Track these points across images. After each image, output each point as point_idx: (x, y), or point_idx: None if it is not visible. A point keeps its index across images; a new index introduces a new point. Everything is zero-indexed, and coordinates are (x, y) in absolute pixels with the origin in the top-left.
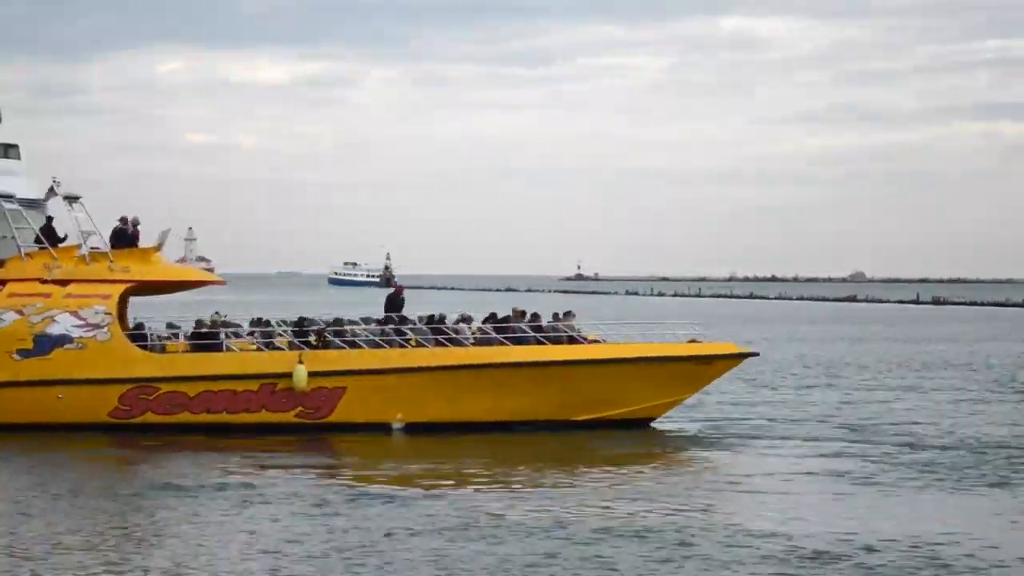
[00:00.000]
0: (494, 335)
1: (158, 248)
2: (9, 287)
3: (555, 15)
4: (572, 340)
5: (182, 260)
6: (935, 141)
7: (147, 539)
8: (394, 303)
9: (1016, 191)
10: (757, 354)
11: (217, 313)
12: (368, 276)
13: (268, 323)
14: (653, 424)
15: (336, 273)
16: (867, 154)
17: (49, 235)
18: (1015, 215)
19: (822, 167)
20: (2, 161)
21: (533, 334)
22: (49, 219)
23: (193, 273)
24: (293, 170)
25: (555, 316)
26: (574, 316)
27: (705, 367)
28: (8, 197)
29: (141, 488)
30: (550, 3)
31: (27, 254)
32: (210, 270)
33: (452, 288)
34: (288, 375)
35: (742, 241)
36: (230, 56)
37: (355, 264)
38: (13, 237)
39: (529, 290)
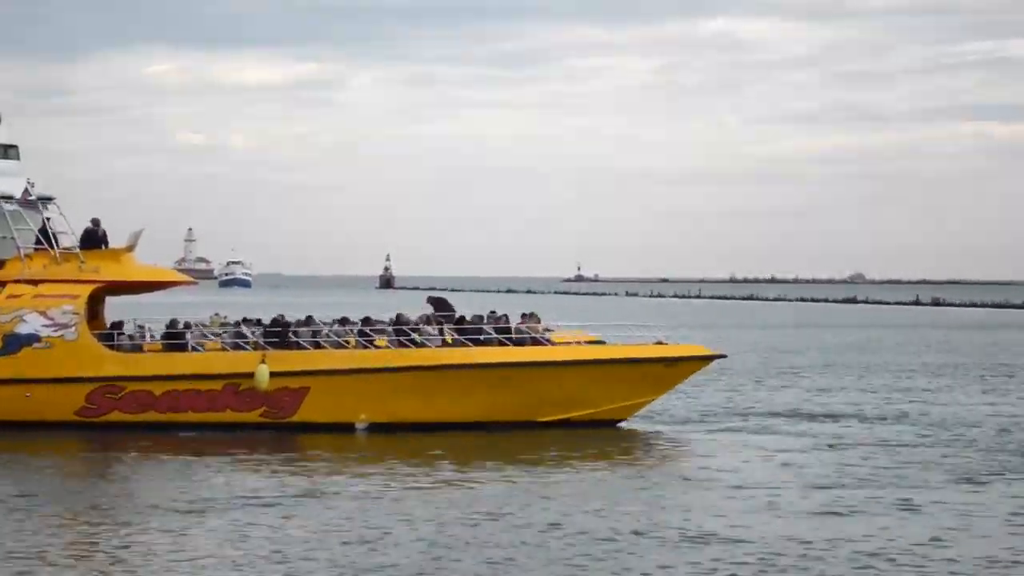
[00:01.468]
0: (458, 337)
1: (130, 249)
2: (9, 288)
3: (536, 17)
4: (535, 341)
5: (182, 261)
6: (928, 142)
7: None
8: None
9: (1011, 192)
10: (725, 356)
11: (217, 314)
12: (226, 276)
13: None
14: (620, 425)
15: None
16: (863, 155)
17: (47, 236)
18: (1012, 216)
19: (820, 167)
20: (1, 162)
21: (497, 336)
22: (47, 220)
23: (163, 273)
24: (288, 171)
25: (523, 317)
26: (538, 319)
27: (672, 369)
28: (8, 198)
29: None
30: (530, 5)
31: (26, 255)
32: (209, 270)
33: (452, 290)
34: (251, 375)
35: (741, 242)
36: (218, 57)
37: (240, 263)
38: (13, 238)
39: (529, 291)
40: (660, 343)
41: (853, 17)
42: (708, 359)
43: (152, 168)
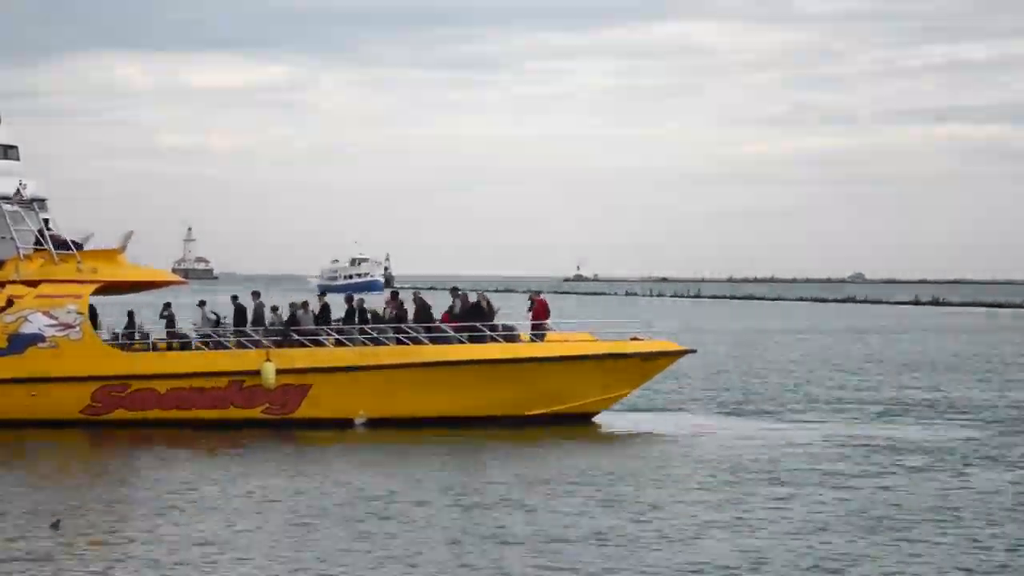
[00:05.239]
0: (452, 333)
1: (121, 249)
2: (9, 288)
3: (490, 22)
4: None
5: (181, 261)
6: (904, 144)
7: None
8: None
9: (997, 192)
10: (695, 351)
11: (215, 313)
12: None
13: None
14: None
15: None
16: (841, 156)
17: (46, 237)
18: (1003, 216)
19: (800, 169)
20: (2, 162)
21: (490, 333)
22: (46, 221)
23: (157, 273)
24: (275, 172)
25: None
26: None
27: (647, 363)
28: (7, 198)
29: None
30: (482, 8)
31: (25, 255)
32: (208, 271)
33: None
34: (256, 373)
35: (741, 241)
36: (183, 60)
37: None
38: (12, 238)
39: (528, 291)
40: (635, 339)
41: (804, 21)
42: (679, 354)
43: (137, 170)
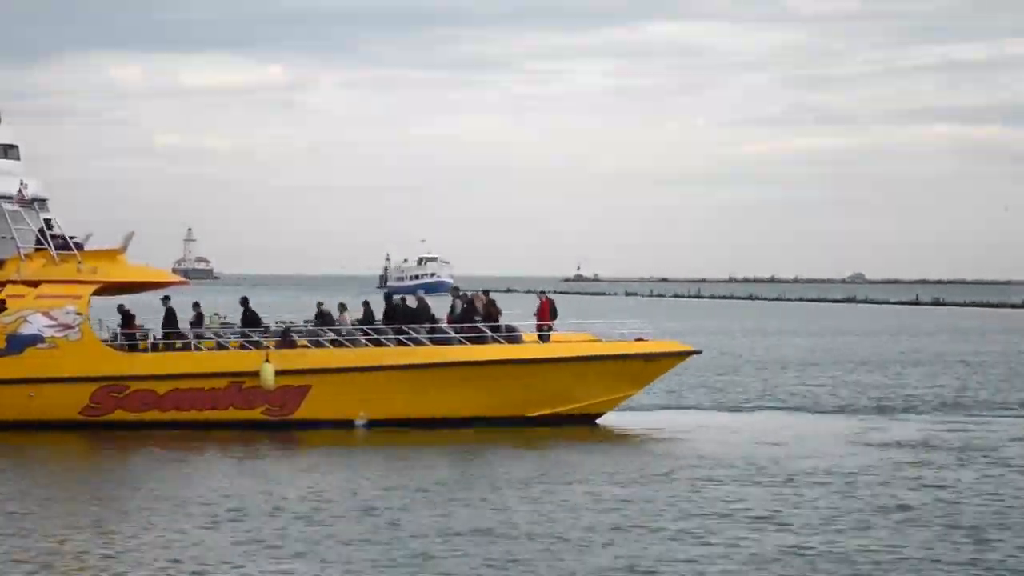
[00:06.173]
0: (454, 334)
1: (123, 250)
2: (9, 288)
3: (490, 22)
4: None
5: (181, 260)
6: (903, 144)
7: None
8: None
9: (997, 193)
10: (700, 352)
11: (216, 314)
12: None
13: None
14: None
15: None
16: (845, 156)
17: (46, 236)
18: (998, 216)
19: (799, 168)
20: (2, 162)
21: (491, 333)
22: (48, 220)
23: (158, 273)
24: (274, 172)
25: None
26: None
27: (651, 364)
28: (8, 198)
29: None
30: (482, 8)
31: (25, 255)
32: (208, 270)
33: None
34: (255, 374)
35: (740, 240)
36: (183, 60)
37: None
38: (13, 238)
39: (529, 291)
40: (640, 339)
41: (803, 21)
42: (684, 355)
43: (137, 170)
